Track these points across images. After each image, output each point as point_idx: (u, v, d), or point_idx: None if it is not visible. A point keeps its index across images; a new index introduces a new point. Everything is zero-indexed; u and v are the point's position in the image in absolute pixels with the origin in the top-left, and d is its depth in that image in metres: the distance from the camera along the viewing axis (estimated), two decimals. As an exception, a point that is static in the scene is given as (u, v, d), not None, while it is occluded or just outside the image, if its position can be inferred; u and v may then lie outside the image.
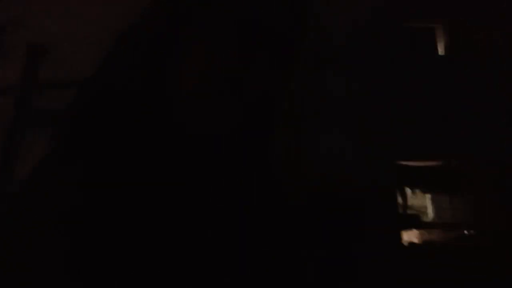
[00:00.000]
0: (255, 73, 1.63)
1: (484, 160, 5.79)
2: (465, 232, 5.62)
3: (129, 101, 2.21)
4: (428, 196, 5.94)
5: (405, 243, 5.61)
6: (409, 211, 5.77)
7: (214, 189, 2.36)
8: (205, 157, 2.02)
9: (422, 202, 5.90)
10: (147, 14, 1.93)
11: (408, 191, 5.87)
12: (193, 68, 1.80)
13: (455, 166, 5.90)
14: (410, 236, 5.64)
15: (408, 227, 5.71)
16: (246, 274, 2.16)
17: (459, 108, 5.99)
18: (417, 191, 5.90)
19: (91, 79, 2.23)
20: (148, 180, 2.38)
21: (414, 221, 5.75)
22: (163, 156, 2.41)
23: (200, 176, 2.14)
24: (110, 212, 2.64)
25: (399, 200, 5.76)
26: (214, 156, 1.94)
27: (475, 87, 6.03)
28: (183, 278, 1.84)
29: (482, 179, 5.75)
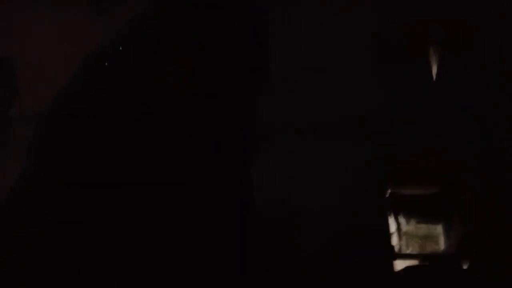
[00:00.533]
0: (236, 79, 1.67)
1: (473, 184, 5.75)
2: (458, 261, 5.58)
3: (119, 101, 2.23)
4: (420, 224, 5.88)
5: (396, 272, 5.57)
6: (400, 240, 5.76)
7: (205, 188, 2.39)
8: (190, 156, 2.06)
9: (415, 230, 5.85)
10: (137, 27, 1.99)
11: (400, 219, 5.81)
12: (180, 72, 1.83)
13: (446, 193, 5.87)
14: (401, 264, 5.60)
15: (399, 256, 5.69)
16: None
17: (449, 129, 5.95)
18: (409, 219, 5.84)
19: (82, 80, 2.26)
20: (138, 180, 2.39)
21: (404, 249, 5.74)
22: (154, 155, 2.43)
23: (186, 174, 2.17)
24: (102, 212, 2.64)
25: (392, 228, 5.74)
26: (201, 156, 1.99)
27: (463, 119, 5.97)
28: (168, 274, 1.88)
29: (473, 206, 5.71)
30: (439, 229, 5.81)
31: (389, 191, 5.81)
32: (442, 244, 5.76)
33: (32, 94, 5.62)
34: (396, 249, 5.69)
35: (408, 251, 5.75)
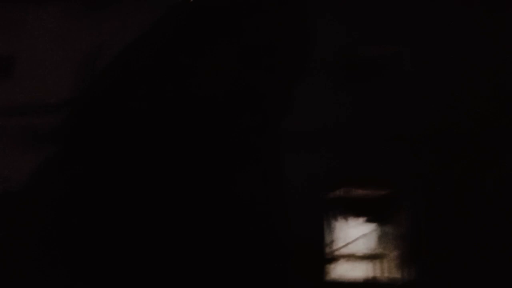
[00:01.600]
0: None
1: (415, 189, 5.75)
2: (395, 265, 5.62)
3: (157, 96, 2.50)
4: (358, 227, 5.90)
5: (334, 277, 5.64)
6: (339, 243, 5.77)
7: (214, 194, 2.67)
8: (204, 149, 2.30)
9: (353, 233, 5.87)
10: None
11: (339, 222, 5.85)
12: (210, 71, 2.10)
13: (385, 196, 5.88)
14: (339, 269, 5.67)
15: (338, 259, 5.72)
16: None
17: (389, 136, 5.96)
18: (348, 222, 5.87)
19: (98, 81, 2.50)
20: (146, 179, 2.63)
21: (344, 253, 5.73)
22: (167, 153, 2.69)
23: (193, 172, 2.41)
24: (108, 212, 2.90)
25: (329, 231, 5.76)
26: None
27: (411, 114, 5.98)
28: (168, 273, 2.09)
29: (413, 209, 5.71)
30: (389, 229, 5.85)
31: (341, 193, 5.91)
32: (393, 244, 5.84)
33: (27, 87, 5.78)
34: (346, 251, 5.77)
35: (362, 254, 5.82)
